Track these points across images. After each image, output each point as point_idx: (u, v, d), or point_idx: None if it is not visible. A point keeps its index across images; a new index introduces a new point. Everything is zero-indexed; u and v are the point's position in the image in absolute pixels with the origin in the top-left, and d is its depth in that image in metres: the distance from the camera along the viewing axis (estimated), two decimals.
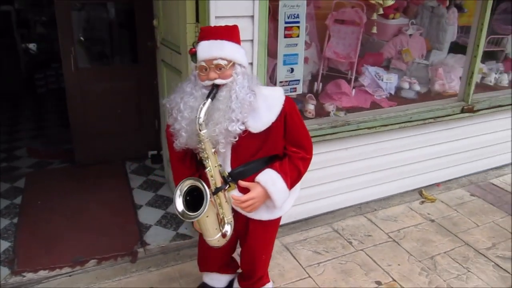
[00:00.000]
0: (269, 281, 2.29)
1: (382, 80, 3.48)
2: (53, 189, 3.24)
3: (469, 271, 2.69)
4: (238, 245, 2.16)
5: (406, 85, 3.49)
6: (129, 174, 3.52)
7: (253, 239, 2.02)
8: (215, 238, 1.85)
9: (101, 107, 3.46)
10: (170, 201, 3.17)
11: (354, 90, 3.36)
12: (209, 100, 1.68)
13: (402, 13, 3.99)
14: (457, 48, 4.12)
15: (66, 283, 2.46)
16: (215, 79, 1.70)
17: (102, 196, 3.18)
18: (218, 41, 1.71)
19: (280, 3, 2.46)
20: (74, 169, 3.54)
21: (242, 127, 1.73)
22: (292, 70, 2.65)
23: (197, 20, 2.40)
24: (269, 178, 1.83)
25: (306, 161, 1.92)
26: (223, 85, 1.72)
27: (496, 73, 3.90)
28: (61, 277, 2.49)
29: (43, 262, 2.52)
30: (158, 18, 2.88)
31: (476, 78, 3.42)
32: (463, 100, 3.41)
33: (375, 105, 3.29)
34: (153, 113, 3.65)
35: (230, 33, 1.76)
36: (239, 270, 2.34)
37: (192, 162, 1.96)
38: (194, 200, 1.73)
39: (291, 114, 1.84)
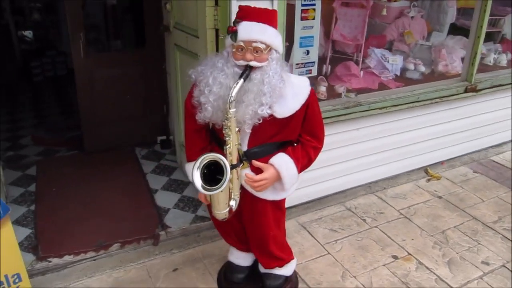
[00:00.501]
0: (293, 258, 2.35)
1: (388, 61, 3.55)
2: (66, 176, 3.24)
3: (479, 244, 2.80)
4: None
5: (411, 66, 3.56)
6: (140, 160, 3.53)
7: (259, 217, 2.07)
8: (223, 212, 1.92)
9: (109, 93, 3.45)
10: (185, 184, 3.21)
11: (362, 72, 3.42)
12: (242, 80, 1.71)
13: None
14: (455, 29, 4.22)
15: (91, 267, 2.49)
16: (251, 60, 1.73)
17: (116, 182, 3.19)
18: (261, 24, 1.74)
19: None
20: (84, 156, 3.54)
21: (269, 111, 1.78)
22: (308, 52, 2.69)
23: (216, 3, 2.42)
24: (283, 162, 1.89)
25: (317, 150, 2.00)
26: (256, 67, 1.75)
27: (495, 54, 4.00)
28: (86, 261, 2.52)
29: (67, 247, 2.54)
30: (171, 2, 2.87)
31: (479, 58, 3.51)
32: (466, 80, 3.50)
33: (382, 86, 3.35)
34: (162, 98, 3.66)
35: (271, 18, 1.79)
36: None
37: (207, 135, 2.01)
38: (210, 173, 1.77)
39: (313, 105, 1.90)
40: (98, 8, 3.58)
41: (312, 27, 2.64)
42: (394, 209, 3.14)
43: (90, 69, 3.31)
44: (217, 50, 2.52)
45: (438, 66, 3.67)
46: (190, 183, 3.21)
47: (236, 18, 1.78)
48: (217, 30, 2.48)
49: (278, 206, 2.09)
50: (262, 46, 1.72)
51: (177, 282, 2.41)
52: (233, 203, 1.89)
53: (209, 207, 2.14)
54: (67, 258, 2.48)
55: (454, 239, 2.84)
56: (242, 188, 1.94)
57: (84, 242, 2.58)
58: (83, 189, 3.09)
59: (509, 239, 2.84)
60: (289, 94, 1.82)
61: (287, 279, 2.35)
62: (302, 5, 2.55)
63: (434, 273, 2.54)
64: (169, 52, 3.22)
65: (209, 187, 1.71)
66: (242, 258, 2.37)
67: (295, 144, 1.96)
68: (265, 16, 1.77)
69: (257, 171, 1.86)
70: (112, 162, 3.44)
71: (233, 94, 1.69)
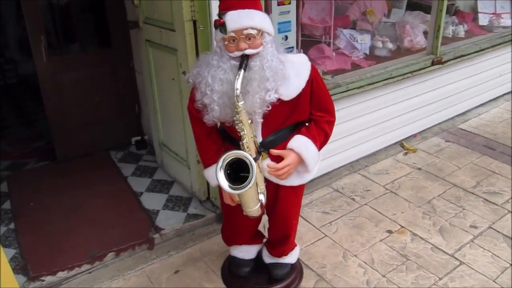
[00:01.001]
0: (296, 245, 2.36)
1: (357, 41, 3.60)
2: (42, 189, 3.06)
3: (464, 209, 2.92)
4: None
5: (379, 44, 3.63)
6: (118, 163, 3.39)
7: (284, 205, 2.06)
8: (255, 209, 1.88)
9: (77, 97, 3.28)
10: (170, 184, 3.12)
11: (334, 53, 3.44)
12: (242, 70, 1.66)
13: None
14: (410, 5, 4.33)
15: (88, 281, 2.38)
16: (246, 49, 1.68)
17: (97, 189, 3.05)
18: (246, 10, 1.68)
19: None
20: (57, 165, 3.35)
21: (276, 95, 1.75)
22: (286, 37, 2.67)
23: None
24: (302, 144, 1.86)
25: (331, 124, 1.97)
26: (253, 55, 1.71)
27: (452, 26, 4.15)
28: (82, 275, 2.40)
29: (58, 263, 2.40)
30: None
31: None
32: (432, 53, 3.61)
33: (355, 66, 3.39)
34: (132, 98, 3.52)
35: (255, 2, 1.73)
36: (264, 240, 2.39)
37: (218, 136, 1.95)
38: (233, 172, 1.73)
39: (316, 79, 1.87)
40: (59, 9, 3.37)
41: (289, 12, 2.61)
42: (379, 185, 3.21)
43: (55, 73, 3.13)
44: (196, 42, 2.45)
45: (403, 42, 3.76)
46: (175, 182, 3.13)
47: (221, 10, 1.71)
48: (195, 22, 2.40)
49: (300, 192, 2.09)
50: (253, 31, 1.66)
51: (181, 284, 2.35)
52: (262, 197, 1.85)
53: (225, 209, 2.13)
54: (61, 274, 2.35)
55: (441, 208, 2.94)
56: (265, 179, 1.89)
57: (76, 255, 2.46)
58: (63, 200, 2.93)
59: (490, 201, 2.98)
60: (291, 74, 1.78)
61: (292, 266, 2.35)
62: None
63: (429, 242, 2.63)
64: (139, 49, 3.09)
65: (237, 186, 1.65)
66: (246, 252, 2.34)
67: (307, 124, 1.93)
68: (249, 2, 1.71)
69: (277, 159, 1.83)
70: (88, 169, 3.28)
71: (238, 86, 1.63)
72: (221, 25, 1.68)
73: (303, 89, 1.82)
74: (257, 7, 1.73)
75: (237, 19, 1.66)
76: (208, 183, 2.83)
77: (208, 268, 2.45)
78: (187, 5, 2.35)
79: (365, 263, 2.48)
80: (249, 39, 1.67)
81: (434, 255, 2.52)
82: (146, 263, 2.50)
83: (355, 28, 3.90)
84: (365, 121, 3.36)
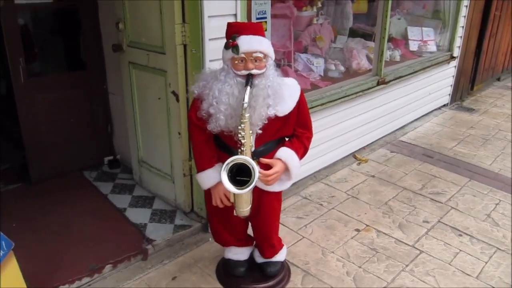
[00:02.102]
0: (283, 245, 2.62)
1: (313, 64, 4.01)
2: (22, 210, 3.04)
3: (415, 208, 3.37)
4: None
5: (332, 67, 4.07)
6: (94, 182, 3.45)
7: (267, 209, 2.31)
8: (246, 209, 2.13)
9: (53, 118, 3.32)
10: (151, 199, 3.25)
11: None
12: (249, 87, 1.93)
13: (309, 5, 4.57)
14: (352, 32, 4.87)
15: None
16: (253, 69, 1.96)
17: (80, 207, 3.10)
18: (257, 37, 1.97)
19: (253, 3, 2.76)
20: (32, 187, 3.33)
21: (274, 111, 2.03)
22: None
23: (183, 21, 2.58)
24: (288, 155, 2.14)
25: (310, 139, 2.27)
26: (258, 74, 1.99)
27: (389, 51, 4.73)
28: None
29: (58, 278, 2.45)
30: (124, 22, 2.92)
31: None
32: (377, 75, 4.12)
33: (314, 86, 3.79)
34: (105, 118, 3.62)
35: (262, 30, 2.03)
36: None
37: (213, 144, 2.17)
38: (231, 176, 1.94)
39: (303, 101, 2.18)
40: (36, 32, 3.41)
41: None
42: (341, 191, 3.58)
43: (31, 94, 3.16)
44: (185, 64, 2.68)
45: (351, 64, 4.24)
46: (156, 197, 3.27)
47: (233, 33, 1.98)
48: (185, 46, 2.64)
49: (279, 197, 2.36)
50: (261, 55, 1.95)
51: None
52: (251, 200, 2.10)
53: (215, 215, 2.34)
54: None
55: (396, 207, 3.37)
56: None
57: (74, 270, 2.52)
58: (48, 220, 2.95)
59: (436, 200, 3.47)
60: (286, 94, 2.07)
61: (282, 264, 2.61)
62: (257, 18, 2.82)
63: (392, 237, 3.02)
64: (116, 71, 3.24)
65: (241, 187, 1.89)
66: (241, 253, 2.55)
67: (286, 139, 2.21)
68: (258, 29, 2.02)
69: (264, 167, 2.08)
70: (66, 189, 3.31)
71: (247, 100, 1.89)
72: (233, 47, 1.95)
73: (293, 108, 2.11)
74: (264, 34, 2.03)
75: (249, 43, 1.94)
76: (192, 196, 3.02)
77: (204, 272, 2.63)
78: (179, 31, 2.58)
79: (342, 257, 2.80)
80: (256, 61, 1.96)
81: (398, 247, 2.91)
82: (143, 272, 2.62)
83: (306, 53, 4.33)
84: (324, 136, 3.74)
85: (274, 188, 2.22)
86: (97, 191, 3.33)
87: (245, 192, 1.93)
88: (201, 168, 2.15)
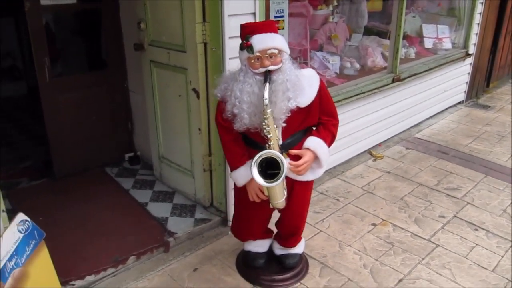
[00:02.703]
0: (302, 238, 2.68)
1: (329, 62, 4.06)
2: (47, 204, 3.15)
3: (431, 203, 3.40)
4: None
5: (348, 64, 4.12)
6: (116, 178, 3.55)
7: (299, 198, 2.37)
8: (281, 201, 2.20)
9: (75, 116, 3.43)
10: (171, 194, 3.34)
11: None
12: (268, 84, 2.00)
13: (324, 4, 4.63)
14: (367, 30, 4.91)
15: (113, 283, 2.54)
16: (269, 65, 2.03)
17: (103, 202, 3.20)
18: (269, 34, 2.04)
19: (271, 2, 2.82)
20: (56, 182, 3.45)
21: (295, 103, 2.09)
22: None
23: (204, 20, 2.66)
24: (317, 143, 2.21)
25: (336, 126, 2.34)
26: (275, 70, 2.05)
27: (404, 48, 4.76)
28: (107, 278, 2.56)
29: (84, 268, 2.55)
30: (145, 21, 3.01)
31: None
32: (392, 72, 4.15)
33: (330, 84, 3.83)
34: (125, 116, 3.72)
35: (274, 27, 2.10)
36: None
37: (242, 142, 2.25)
38: (262, 171, 2.03)
39: (324, 89, 2.25)
40: (60, 33, 3.53)
41: (282, 36, 2.98)
42: (357, 187, 3.63)
43: (55, 93, 3.27)
44: (205, 62, 2.75)
45: (367, 62, 4.28)
46: (176, 192, 3.35)
47: (246, 34, 2.04)
48: (205, 44, 2.71)
49: (311, 186, 2.44)
50: (275, 51, 2.01)
51: (202, 279, 2.58)
52: (285, 192, 2.17)
53: (241, 209, 2.43)
54: (89, 278, 2.50)
55: (412, 203, 3.40)
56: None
57: (99, 261, 2.61)
58: (72, 214, 3.05)
59: (451, 196, 3.50)
60: (305, 85, 2.13)
61: (300, 256, 2.67)
62: (275, 16, 2.89)
63: (408, 231, 3.06)
64: (138, 69, 3.33)
65: (271, 180, 1.96)
66: (260, 246, 2.63)
67: (314, 128, 2.27)
68: (270, 27, 2.08)
69: (294, 158, 2.15)
70: (88, 184, 3.42)
71: (267, 96, 1.96)
72: (248, 47, 2.02)
73: (315, 97, 2.18)
74: (276, 31, 2.09)
75: (262, 41, 2.01)
76: (211, 190, 3.10)
77: (224, 264, 2.71)
78: (199, 29, 2.66)
79: (359, 251, 2.85)
80: (271, 57, 2.02)
81: (414, 241, 2.95)
82: (165, 264, 2.71)
83: (322, 51, 4.39)
84: (340, 132, 3.65)
85: (307, 177, 2.28)
86: (119, 187, 3.43)
87: (276, 185, 2.00)
88: (233, 166, 2.23)
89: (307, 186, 2.40)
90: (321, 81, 2.22)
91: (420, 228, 3.09)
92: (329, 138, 2.27)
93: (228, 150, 2.26)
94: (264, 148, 2.04)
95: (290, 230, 2.53)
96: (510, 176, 3.82)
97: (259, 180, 1.98)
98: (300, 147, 2.19)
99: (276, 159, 1.98)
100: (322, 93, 2.21)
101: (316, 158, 2.21)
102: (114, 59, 3.53)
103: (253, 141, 2.20)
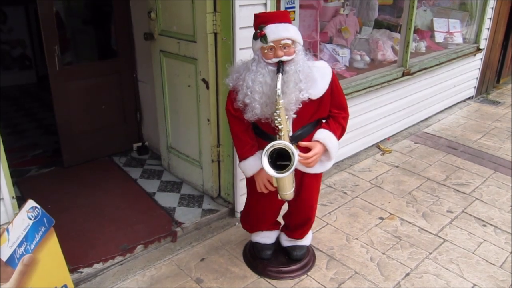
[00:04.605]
0: (310, 230, 2.68)
1: (339, 55, 4.04)
2: (56, 192, 3.18)
3: (439, 198, 3.39)
4: None
5: (358, 57, 4.09)
6: (124, 168, 3.56)
7: (308, 190, 2.38)
8: (290, 192, 2.20)
9: (85, 105, 3.44)
10: (179, 184, 3.34)
11: None
12: (280, 74, 1.99)
13: None
14: (377, 23, 4.87)
15: (122, 271, 2.56)
16: (282, 56, 2.01)
17: (111, 191, 3.22)
18: (283, 24, 2.02)
19: None
20: (65, 170, 3.47)
21: (307, 95, 2.08)
22: None
23: (215, 10, 2.65)
24: (326, 136, 2.20)
25: (346, 119, 2.32)
26: (288, 61, 2.04)
27: (415, 42, 4.71)
28: (115, 267, 2.58)
29: (93, 256, 2.57)
30: (155, 11, 3.00)
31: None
32: (402, 66, 4.12)
33: (339, 76, 3.81)
34: (134, 106, 3.73)
35: (287, 18, 2.08)
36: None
37: (252, 133, 2.25)
38: (272, 162, 2.03)
39: (336, 81, 2.23)
40: (70, 21, 3.53)
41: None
42: (365, 180, 3.62)
43: (65, 82, 3.28)
44: (215, 52, 2.74)
45: (377, 55, 4.25)
46: (183, 182, 3.36)
47: (260, 23, 2.02)
48: (216, 34, 2.70)
49: (320, 179, 2.43)
50: (289, 42, 2.00)
51: (210, 269, 2.59)
52: (293, 183, 2.17)
53: (252, 200, 2.43)
54: (97, 266, 2.52)
55: (420, 197, 3.39)
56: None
57: (107, 249, 2.63)
58: (81, 202, 3.07)
59: (459, 191, 3.48)
60: (317, 77, 2.11)
61: (307, 248, 2.67)
62: (286, 7, 2.87)
63: (416, 225, 3.05)
64: (148, 59, 3.32)
65: (281, 171, 1.95)
66: (268, 237, 2.63)
67: (323, 121, 2.27)
68: (284, 17, 2.06)
69: (303, 150, 2.15)
70: (97, 173, 3.44)
71: (279, 87, 1.95)
72: (262, 36, 2.01)
73: (326, 90, 2.16)
74: (290, 21, 2.07)
75: (276, 31, 1.99)
76: (219, 181, 3.10)
77: (231, 255, 2.72)
78: (210, 19, 2.65)
79: (366, 244, 2.85)
80: (285, 48, 2.01)
81: (422, 235, 2.94)
82: (173, 253, 2.72)
83: (332, 43, 4.36)
84: (348, 125, 3.67)
85: (316, 169, 2.28)
86: (127, 176, 3.44)
87: (286, 176, 2.00)
88: (243, 156, 2.22)
89: (317, 178, 2.39)
90: (333, 73, 2.20)
91: (428, 223, 3.07)
92: (339, 131, 2.26)
93: (238, 140, 2.25)
94: (274, 139, 2.03)
95: (301, 221, 2.53)
96: None
97: (269, 170, 1.98)
98: (310, 139, 2.18)
99: (287, 150, 1.97)
100: (334, 86, 2.20)
101: (325, 150, 2.21)
102: (123, 48, 3.53)
103: (263, 131, 2.19)
